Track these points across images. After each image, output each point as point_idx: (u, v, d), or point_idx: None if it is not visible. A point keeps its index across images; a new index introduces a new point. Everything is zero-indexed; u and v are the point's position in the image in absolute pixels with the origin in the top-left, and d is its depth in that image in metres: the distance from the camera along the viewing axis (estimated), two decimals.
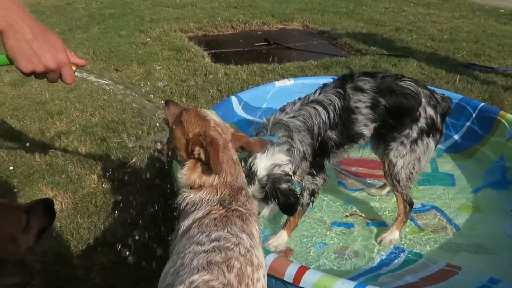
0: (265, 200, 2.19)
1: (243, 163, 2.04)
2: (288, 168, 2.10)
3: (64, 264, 2.31)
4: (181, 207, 1.59)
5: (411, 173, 2.47)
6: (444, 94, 2.56)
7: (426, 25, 7.21)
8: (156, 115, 1.79)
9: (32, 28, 1.18)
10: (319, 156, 2.33)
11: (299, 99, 2.41)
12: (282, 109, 2.35)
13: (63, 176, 3.01)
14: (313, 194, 2.44)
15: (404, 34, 6.69)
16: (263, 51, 6.11)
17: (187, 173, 1.58)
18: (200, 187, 1.57)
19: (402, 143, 2.42)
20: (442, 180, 3.13)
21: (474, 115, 3.33)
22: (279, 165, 2.07)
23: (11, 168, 3.08)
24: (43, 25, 1.23)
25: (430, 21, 7.49)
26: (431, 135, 2.43)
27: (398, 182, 2.47)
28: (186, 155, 1.59)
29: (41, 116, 3.84)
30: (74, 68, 1.37)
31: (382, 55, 5.63)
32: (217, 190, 1.52)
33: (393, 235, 2.55)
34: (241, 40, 6.56)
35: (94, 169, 3.10)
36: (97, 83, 1.56)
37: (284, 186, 2.05)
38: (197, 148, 1.52)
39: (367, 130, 2.39)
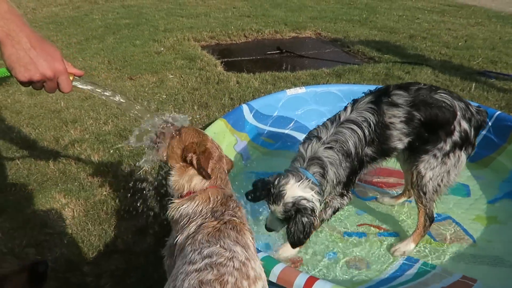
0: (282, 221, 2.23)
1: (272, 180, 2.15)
2: (315, 206, 2.13)
3: (75, 271, 2.32)
4: (174, 219, 1.57)
5: (439, 185, 2.44)
6: (479, 107, 2.50)
7: (440, 32, 7.12)
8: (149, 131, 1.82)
9: (30, 37, 1.21)
10: (354, 174, 2.32)
11: (329, 120, 2.38)
12: (318, 136, 2.29)
13: (76, 183, 3.05)
14: (335, 211, 2.45)
15: (418, 41, 6.63)
16: (276, 59, 6.12)
17: (175, 178, 1.64)
18: (190, 193, 1.57)
19: (434, 156, 2.39)
20: (457, 190, 3.05)
21: (490, 123, 3.26)
22: (308, 200, 2.11)
23: (25, 175, 3.13)
24: (40, 35, 1.26)
25: (445, 28, 7.40)
26: (463, 148, 2.40)
27: (425, 194, 2.44)
28: (176, 162, 1.66)
29: (56, 124, 3.91)
30: (71, 78, 1.39)
31: (396, 62, 5.57)
32: (209, 197, 1.52)
33: (408, 247, 2.49)
34: (253, 49, 6.59)
35: (106, 177, 3.13)
36: (94, 92, 1.57)
37: (305, 219, 2.10)
38: (190, 154, 1.59)
39: (401, 144, 2.37)
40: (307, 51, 6.38)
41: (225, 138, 3.17)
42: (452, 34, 7.04)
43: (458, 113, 2.34)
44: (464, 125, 2.35)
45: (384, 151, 2.36)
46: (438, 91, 2.37)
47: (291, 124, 3.66)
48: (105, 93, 1.58)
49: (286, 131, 3.62)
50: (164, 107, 4.26)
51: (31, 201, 2.85)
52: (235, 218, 1.46)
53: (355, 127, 2.26)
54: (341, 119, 2.31)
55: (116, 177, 3.12)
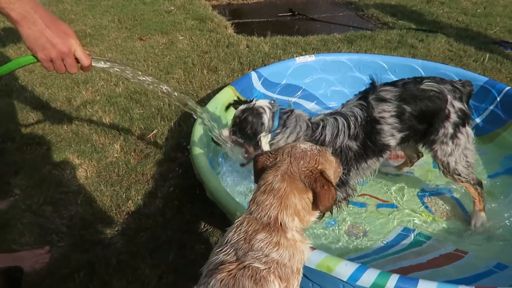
0: None
1: None
2: None
3: (89, 228, 2.48)
4: None
5: (468, 162, 2.51)
6: (461, 80, 2.55)
7: None
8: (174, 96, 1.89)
9: (44, 18, 1.29)
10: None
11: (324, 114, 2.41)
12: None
13: (88, 145, 3.16)
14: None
15: (436, 6, 6.42)
16: (287, 22, 6.02)
17: None
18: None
19: (443, 142, 2.43)
20: None
21: (498, 98, 3.25)
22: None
23: (40, 135, 3.24)
24: (53, 15, 1.34)
25: None
26: (466, 124, 2.46)
27: (459, 175, 2.51)
28: None
29: (68, 85, 3.98)
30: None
31: (410, 29, 5.45)
32: (235, 228, 1.32)
33: (480, 218, 2.58)
34: (265, 10, 6.46)
35: (117, 139, 3.23)
36: (113, 70, 1.64)
37: None
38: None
39: (393, 141, 2.36)
40: (319, 14, 6.25)
41: None
42: None
43: (449, 96, 2.37)
44: (458, 104, 2.40)
45: (375, 148, 2.33)
46: (424, 81, 2.38)
47: (299, 92, 3.68)
48: (126, 71, 1.66)
49: (294, 99, 3.65)
50: (173, 70, 4.28)
51: (46, 161, 2.98)
52: (257, 265, 1.21)
53: (340, 118, 2.28)
54: (331, 112, 2.37)
55: (126, 140, 3.23)
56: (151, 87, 1.83)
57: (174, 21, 5.58)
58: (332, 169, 1.46)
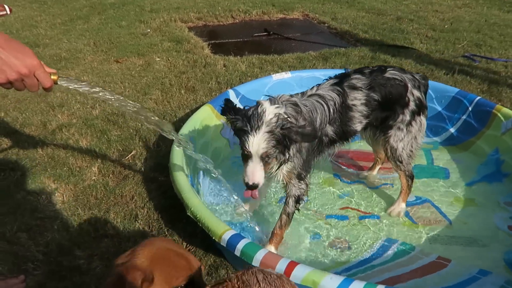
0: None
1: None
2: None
3: (66, 254, 2.39)
4: None
5: (411, 151, 2.67)
6: (418, 73, 2.73)
7: (427, 14, 7.15)
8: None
9: None
10: (312, 153, 2.35)
11: (297, 94, 2.33)
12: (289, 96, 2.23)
13: (65, 168, 3.08)
14: (298, 201, 2.38)
15: (405, 24, 6.65)
16: (263, 41, 6.11)
17: None
18: None
19: (399, 128, 2.59)
20: (437, 173, 3.17)
21: (470, 108, 3.36)
22: (288, 116, 2.05)
23: (14, 160, 3.14)
24: (7, 35, 1.28)
25: (432, 10, 7.43)
26: (421, 113, 2.62)
27: (401, 162, 2.66)
28: None
29: (42, 109, 3.90)
30: (55, 77, 1.42)
31: (382, 45, 5.61)
32: None
33: (400, 207, 2.77)
34: (240, 30, 6.55)
35: (94, 162, 3.16)
36: (81, 89, 1.61)
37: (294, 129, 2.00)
38: None
39: (360, 126, 2.49)
40: (294, 33, 6.37)
41: (211, 123, 3.22)
42: (439, 16, 7.07)
43: (409, 84, 2.52)
44: (416, 93, 2.56)
45: (344, 133, 2.43)
46: (388, 69, 2.52)
47: None
48: (93, 89, 1.62)
49: None
50: (151, 91, 4.26)
51: (21, 187, 2.88)
52: None
53: (322, 101, 2.27)
54: (307, 94, 2.31)
55: (104, 162, 3.16)
56: (116, 104, 1.78)
57: (150, 43, 5.59)
58: None
